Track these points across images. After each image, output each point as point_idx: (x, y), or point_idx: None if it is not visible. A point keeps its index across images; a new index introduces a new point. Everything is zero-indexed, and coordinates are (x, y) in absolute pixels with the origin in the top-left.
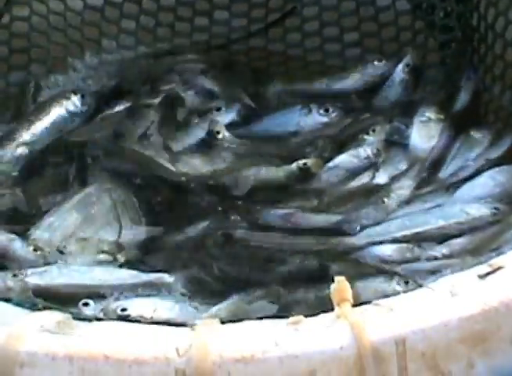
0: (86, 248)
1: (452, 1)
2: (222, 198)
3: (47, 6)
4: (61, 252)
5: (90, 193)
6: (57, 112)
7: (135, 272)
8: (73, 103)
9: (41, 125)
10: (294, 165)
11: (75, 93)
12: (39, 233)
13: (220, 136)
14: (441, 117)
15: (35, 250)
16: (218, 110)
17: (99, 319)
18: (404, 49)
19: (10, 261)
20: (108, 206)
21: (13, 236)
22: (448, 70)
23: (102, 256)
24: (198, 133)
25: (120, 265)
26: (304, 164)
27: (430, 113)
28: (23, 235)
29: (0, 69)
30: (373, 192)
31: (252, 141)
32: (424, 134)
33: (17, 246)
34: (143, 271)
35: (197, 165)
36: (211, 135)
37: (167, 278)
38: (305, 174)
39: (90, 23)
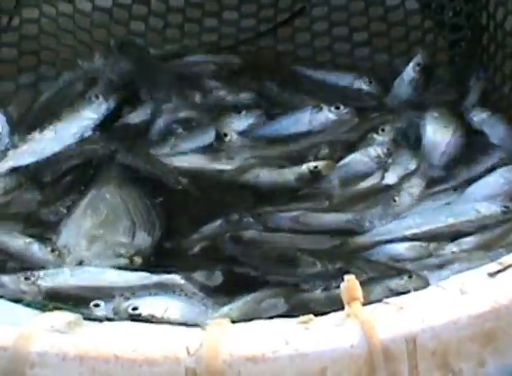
0: (103, 251)
1: (461, 0)
2: (233, 199)
3: (56, 8)
4: (78, 256)
5: (102, 194)
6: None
7: (146, 274)
8: (96, 107)
9: (62, 133)
10: (305, 167)
11: (97, 97)
12: (56, 236)
13: (227, 139)
14: (452, 115)
15: (53, 251)
16: (239, 112)
17: (109, 320)
18: (413, 49)
19: (27, 263)
20: (121, 207)
21: (30, 239)
22: (457, 70)
23: (119, 259)
24: (207, 135)
25: (135, 268)
26: (315, 166)
27: (441, 112)
28: (41, 238)
29: (10, 71)
30: (383, 192)
31: (262, 142)
32: (437, 132)
33: (35, 249)
34: (155, 272)
35: (206, 166)
36: (219, 137)
37: (178, 280)
38: (316, 176)
39: (99, 24)
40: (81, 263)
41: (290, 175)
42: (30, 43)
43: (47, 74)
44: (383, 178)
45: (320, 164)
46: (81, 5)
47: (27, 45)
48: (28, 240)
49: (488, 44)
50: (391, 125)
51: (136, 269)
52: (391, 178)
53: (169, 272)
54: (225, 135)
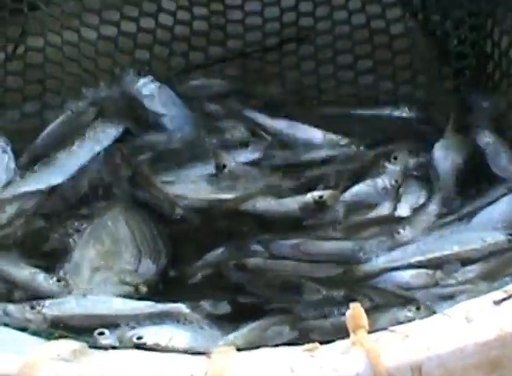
0: (108, 279)
1: (466, 28)
2: (237, 227)
3: (61, 37)
4: (84, 284)
5: (107, 222)
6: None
7: (151, 303)
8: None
9: (70, 160)
10: (310, 197)
11: (104, 123)
12: (61, 265)
13: (226, 170)
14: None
15: (59, 280)
16: (246, 146)
17: (114, 348)
18: (418, 77)
19: (34, 293)
20: (126, 235)
21: (35, 269)
22: (462, 98)
23: (124, 287)
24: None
25: (140, 297)
26: (320, 196)
27: (449, 139)
28: (46, 268)
29: (15, 99)
30: (388, 222)
31: (266, 170)
32: (446, 159)
33: (40, 279)
34: (160, 301)
35: (207, 195)
36: (218, 168)
37: (183, 308)
38: (321, 206)
39: (104, 53)
40: (86, 292)
41: (294, 204)
42: (35, 71)
43: (52, 102)
44: (395, 209)
45: (325, 193)
46: (86, 33)
47: (32, 74)
48: (33, 270)
49: (493, 72)
50: (403, 153)
51: (141, 298)
52: (403, 209)
53: (174, 301)
54: (224, 166)
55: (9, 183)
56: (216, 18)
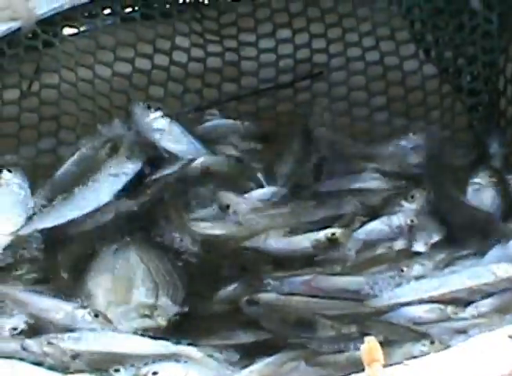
0: (128, 313)
1: (479, 65)
2: (250, 264)
3: (76, 74)
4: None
5: (124, 257)
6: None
7: (166, 343)
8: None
9: (88, 196)
10: (322, 235)
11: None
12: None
13: (231, 210)
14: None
15: (96, 316)
16: (261, 187)
17: None
18: (431, 113)
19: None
20: (143, 270)
21: (71, 305)
22: (476, 133)
23: (144, 320)
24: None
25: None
26: (333, 233)
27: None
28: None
29: (30, 136)
30: (401, 259)
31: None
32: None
33: (80, 314)
34: (176, 336)
35: (219, 232)
36: (221, 209)
37: (195, 353)
38: (333, 243)
39: (118, 89)
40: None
41: (306, 241)
42: (50, 108)
43: (67, 138)
44: (411, 245)
45: (338, 231)
46: (101, 70)
47: (47, 110)
48: (69, 305)
49: (505, 108)
50: (421, 192)
51: (156, 337)
52: (420, 245)
53: (190, 338)
54: (228, 206)
55: (27, 218)
56: (230, 55)
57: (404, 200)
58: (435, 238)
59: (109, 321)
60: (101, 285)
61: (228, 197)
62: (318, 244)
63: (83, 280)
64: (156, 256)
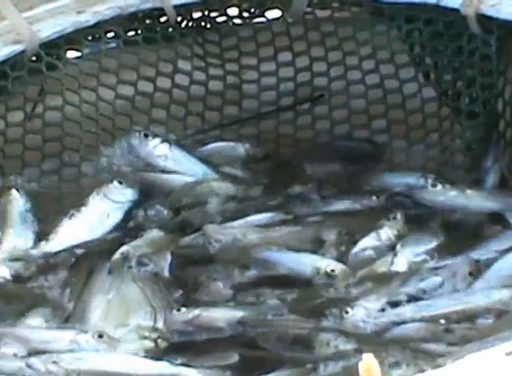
0: (127, 335)
1: (478, 87)
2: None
3: (79, 96)
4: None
5: (118, 282)
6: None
7: (166, 364)
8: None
9: (91, 220)
10: (323, 266)
11: (121, 183)
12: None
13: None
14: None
15: (100, 336)
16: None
17: None
18: (430, 135)
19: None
20: (139, 294)
21: (73, 331)
22: (474, 156)
23: (144, 342)
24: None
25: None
26: (332, 270)
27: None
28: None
29: (34, 157)
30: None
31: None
32: None
33: (83, 339)
34: (175, 361)
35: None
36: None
37: (194, 374)
38: (331, 278)
39: (121, 112)
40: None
41: (307, 265)
42: (53, 130)
43: (70, 160)
44: (392, 263)
45: (338, 268)
46: (104, 93)
47: (51, 132)
48: (71, 332)
49: (504, 130)
50: (401, 213)
51: (156, 358)
52: (399, 265)
53: (188, 359)
54: (210, 243)
55: (35, 237)
56: (231, 78)
57: (386, 220)
58: (422, 253)
59: (115, 340)
60: (95, 308)
61: (214, 230)
62: (316, 272)
63: (76, 303)
64: (150, 279)
